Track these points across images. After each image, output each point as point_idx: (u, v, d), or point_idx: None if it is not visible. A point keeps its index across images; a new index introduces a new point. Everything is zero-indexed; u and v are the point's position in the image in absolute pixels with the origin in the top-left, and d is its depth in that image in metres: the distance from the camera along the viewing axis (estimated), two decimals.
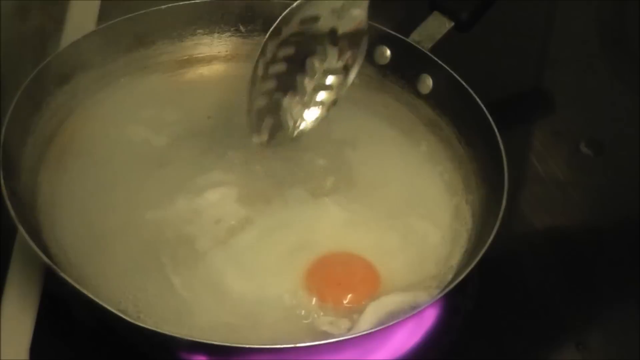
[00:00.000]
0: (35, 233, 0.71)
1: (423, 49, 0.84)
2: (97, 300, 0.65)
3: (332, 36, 0.78)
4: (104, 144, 0.82)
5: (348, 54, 0.79)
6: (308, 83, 0.79)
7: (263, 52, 0.76)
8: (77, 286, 0.65)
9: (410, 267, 0.75)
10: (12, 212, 0.68)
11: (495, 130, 0.78)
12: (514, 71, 1.00)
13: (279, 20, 0.75)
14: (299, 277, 0.73)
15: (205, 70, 0.91)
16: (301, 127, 0.81)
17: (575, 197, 0.88)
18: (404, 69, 0.86)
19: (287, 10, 0.75)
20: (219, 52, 0.91)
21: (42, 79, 0.80)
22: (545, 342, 0.77)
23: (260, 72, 0.76)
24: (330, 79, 0.80)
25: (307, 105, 0.80)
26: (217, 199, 0.78)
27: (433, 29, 0.85)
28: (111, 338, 0.72)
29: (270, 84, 0.78)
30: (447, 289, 0.69)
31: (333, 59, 0.79)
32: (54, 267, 0.66)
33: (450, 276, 0.74)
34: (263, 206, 0.78)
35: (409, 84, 0.86)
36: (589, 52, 1.03)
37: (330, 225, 0.77)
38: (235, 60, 0.91)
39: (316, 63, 0.79)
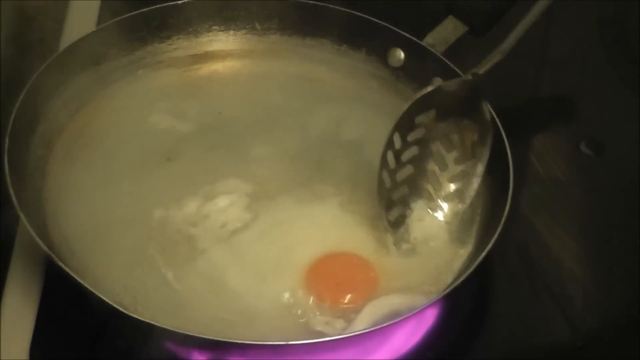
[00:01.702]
0: (38, 222, 0.72)
1: (436, 53, 0.84)
2: (93, 290, 0.65)
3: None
4: (114, 136, 0.82)
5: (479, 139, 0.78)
6: (435, 185, 0.78)
7: (384, 162, 0.76)
8: (75, 276, 0.66)
9: (411, 269, 0.75)
10: (15, 200, 0.69)
11: (504, 136, 0.78)
12: (514, 72, 1.00)
13: (395, 123, 0.76)
14: (298, 276, 0.73)
15: (219, 67, 0.91)
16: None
17: (575, 197, 0.88)
18: (417, 71, 0.86)
19: (404, 110, 0.76)
20: (233, 49, 0.91)
21: (54, 70, 0.81)
22: (545, 341, 0.77)
23: (391, 165, 0.77)
24: (457, 180, 0.78)
25: (435, 208, 0.78)
26: (222, 196, 0.78)
27: (447, 32, 0.85)
28: (111, 338, 0.72)
29: (401, 191, 0.77)
30: (444, 292, 0.69)
31: (458, 157, 0.78)
32: (53, 255, 0.67)
33: (450, 279, 0.74)
34: (266, 204, 0.78)
35: (421, 87, 0.86)
36: (589, 52, 1.03)
37: (333, 225, 0.77)
38: (249, 57, 0.91)
39: (442, 162, 0.78)
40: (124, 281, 0.72)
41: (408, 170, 0.78)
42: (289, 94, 0.87)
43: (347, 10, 0.88)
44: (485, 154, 0.77)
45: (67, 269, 0.66)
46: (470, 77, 0.78)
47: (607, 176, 0.91)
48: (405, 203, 0.78)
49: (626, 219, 0.87)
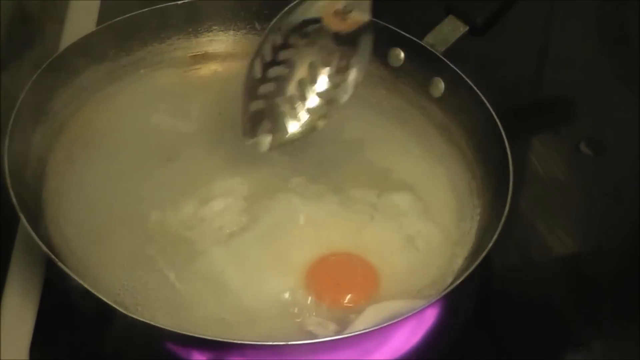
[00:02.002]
0: (38, 222, 0.72)
1: (436, 52, 0.84)
2: (93, 291, 0.65)
3: (335, 39, 0.78)
4: (114, 136, 0.83)
5: (350, 58, 0.79)
6: (308, 88, 0.79)
7: (260, 53, 0.75)
8: (75, 276, 0.66)
9: (412, 270, 0.75)
10: (15, 200, 0.69)
11: (504, 137, 0.78)
12: (514, 72, 1.00)
13: (276, 18, 0.75)
14: (298, 276, 0.73)
15: (219, 67, 0.91)
16: (298, 131, 0.80)
17: (575, 197, 0.88)
18: (417, 71, 0.86)
19: (285, 9, 0.75)
20: (234, 49, 0.91)
21: (54, 71, 0.81)
22: (545, 342, 0.77)
23: (257, 74, 0.76)
24: (331, 84, 0.79)
25: (306, 110, 0.80)
26: (222, 197, 0.78)
27: (447, 32, 0.85)
28: (111, 338, 0.72)
29: (269, 87, 0.78)
30: (444, 293, 0.69)
31: (335, 63, 0.79)
32: (52, 256, 0.67)
33: (450, 279, 0.74)
34: (266, 204, 0.78)
35: (421, 87, 0.86)
36: (589, 52, 1.03)
37: (333, 225, 0.77)
38: (250, 57, 0.91)
39: (317, 67, 0.78)
40: (124, 281, 0.72)
41: (280, 70, 0.77)
42: None
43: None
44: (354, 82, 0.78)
45: (67, 269, 0.66)
46: None
47: (607, 176, 0.91)
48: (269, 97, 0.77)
49: (626, 219, 0.87)
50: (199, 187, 0.79)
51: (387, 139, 0.85)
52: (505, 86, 0.96)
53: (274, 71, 0.77)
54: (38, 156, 0.78)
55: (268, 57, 0.76)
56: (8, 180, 0.70)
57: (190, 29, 0.90)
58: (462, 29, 0.85)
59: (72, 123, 0.82)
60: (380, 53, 0.88)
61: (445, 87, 0.85)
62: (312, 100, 0.79)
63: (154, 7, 0.87)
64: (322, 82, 0.79)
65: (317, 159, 0.82)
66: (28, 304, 0.72)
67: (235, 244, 0.75)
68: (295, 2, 0.75)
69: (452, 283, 0.71)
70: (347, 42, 0.78)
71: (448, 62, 0.84)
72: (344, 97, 0.79)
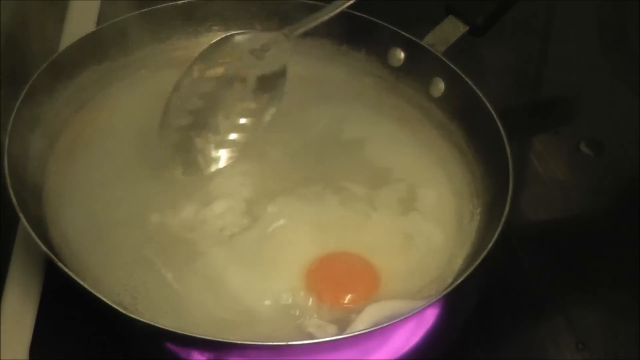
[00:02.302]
0: (38, 223, 0.72)
1: (436, 52, 0.84)
2: (93, 291, 0.65)
3: (251, 77, 0.79)
4: (114, 136, 0.82)
5: (265, 96, 0.79)
6: (223, 122, 0.78)
7: (177, 87, 0.76)
8: (75, 277, 0.66)
9: (412, 270, 0.75)
10: (14, 200, 0.69)
11: (504, 137, 0.78)
12: (514, 72, 1.00)
13: (196, 57, 0.76)
14: (298, 276, 0.73)
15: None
16: (213, 166, 0.79)
17: (575, 197, 0.88)
18: (417, 71, 0.86)
19: (206, 47, 0.77)
20: None
21: (54, 71, 0.81)
22: (545, 342, 0.77)
23: (174, 106, 0.76)
24: (245, 120, 0.79)
25: (220, 144, 0.79)
26: (222, 197, 0.78)
27: (447, 32, 0.85)
28: (111, 338, 0.72)
29: (185, 120, 0.78)
30: (444, 293, 0.69)
31: (250, 100, 0.79)
32: (52, 256, 0.67)
33: (450, 280, 0.74)
34: (267, 204, 0.78)
35: (421, 87, 0.86)
36: (589, 52, 1.03)
37: (333, 225, 0.77)
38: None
39: (233, 103, 0.78)
40: (124, 281, 0.72)
41: (197, 103, 0.78)
42: (289, 93, 0.87)
43: (347, 10, 0.88)
44: (267, 118, 0.78)
45: (66, 270, 0.66)
46: (282, 36, 0.79)
47: (607, 176, 0.91)
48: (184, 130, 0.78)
49: (626, 219, 0.87)
50: (199, 187, 0.79)
51: (387, 139, 0.85)
52: (505, 86, 0.97)
53: (190, 104, 0.78)
54: (38, 156, 0.78)
55: (184, 91, 0.77)
56: (8, 180, 0.70)
57: (190, 29, 0.90)
58: (462, 29, 0.85)
59: (72, 123, 0.82)
60: (380, 53, 0.88)
61: (445, 87, 0.85)
62: (224, 134, 0.79)
63: (154, 7, 0.87)
64: (235, 119, 0.79)
65: (317, 159, 0.82)
66: (28, 304, 0.72)
67: (235, 244, 0.75)
68: (217, 40, 0.77)
69: (452, 283, 0.71)
70: (263, 81, 0.79)
71: (448, 62, 0.84)
72: (253, 131, 0.79)
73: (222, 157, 0.79)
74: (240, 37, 0.78)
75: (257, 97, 0.79)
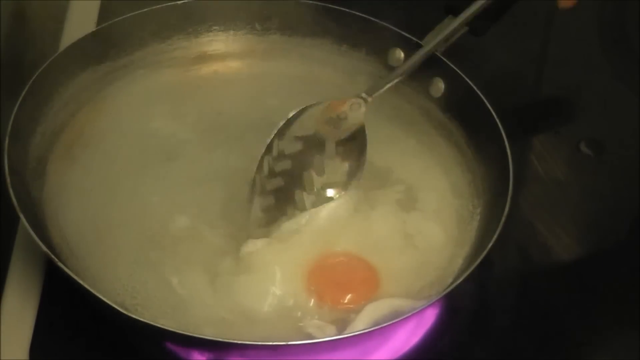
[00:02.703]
0: (38, 222, 0.72)
1: (436, 52, 0.84)
2: (93, 291, 0.65)
3: (330, 145, 0.78)
4: (114, 136, 0.82)
5: (346, 164, 0.78)
6: (306, 197, 0.77)
7: (260, 166, 0.76)
8: (74, 276, 0.66)
9: (412, 270, 0.75)
10: (15, 200, 0.69)
11: (504, 137, 0.78)
12: (514, 72, 1.00)
13: (274, 133, 0.76)
14: (298, 277, 0.73)
15: (219, 67, 0.91)
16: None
17: (575, 197, 0.88)
18: (417, 71, 0.86)
19: (282, 122, 0.76)
20: (234, 50, 0.91)
21: (54, 71, 0.81)
22: (545, 342, 0.77)
23: (258, 186, 0.76)
24: (331, 191, 0.78)
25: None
26: (222, 197, 0.78)
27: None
28: (111, 338, 0.72)
29: (268, 201, 0.77)
30: (444, 293, 0.69)
31: (332, 169, 0.78)
32: (52, 256, 0.67)
33: (450, 280, 0.74)
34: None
35: (421, 87, 0.86)
36: (589, 52, 1.03)
37: (333, 225, 0.77)
38: (250, 57, 0.91)
39: (314, 175, 0.77)
40: (124, 281, 0.72)
41: (278, 180, 0.77)
42: (289, 94, 0.87)
43: (347, 10, 0.88)
44: (359, 174, 0.77)
45: (66, 270, 0.66)
46: (360, 100, 0.79)
47: (607, 176, 0.91)
48: (271, 210, 0.77)
49: (626, 219, 0.87)
50: (198, 187, 0.79)
51: (387, 139, 0.85)
52: (505, 86, 0.96)
53: (273, 183, 0.77)
54: (38, 156, 0.78)
55: (266, 171, 0.76)
56: (8, 180, 0.70)
57: (190, 29, 0.90)
58: (462, 29, 0.85)
59: (72, 123, 0.82)
60: (380, 53, 0.88)
61: (445, 87, 0.85)
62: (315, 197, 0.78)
63: (154, 7, 0.87)
64: (321, 182, 0.78)
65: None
66: (28, 304, 0.72)
67: (235, 243, 0.75)
68: (294, 113, 0.76)
69: (452, 283, 0.71)
70: (343, 147, 0.78)
71: (448, 62, 0.84)
72: (343, 192, 0.78)
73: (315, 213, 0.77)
74: (316, 109, 0.78)
75: (338, 164, 0.78)
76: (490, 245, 0.71)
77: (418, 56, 0.81)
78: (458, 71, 0.83)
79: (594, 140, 0.93)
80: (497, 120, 0.79)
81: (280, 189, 0.77)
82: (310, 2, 0.88)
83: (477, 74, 0.83)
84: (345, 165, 0.78)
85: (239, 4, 0.90)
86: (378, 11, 0.88)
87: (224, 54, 0.91)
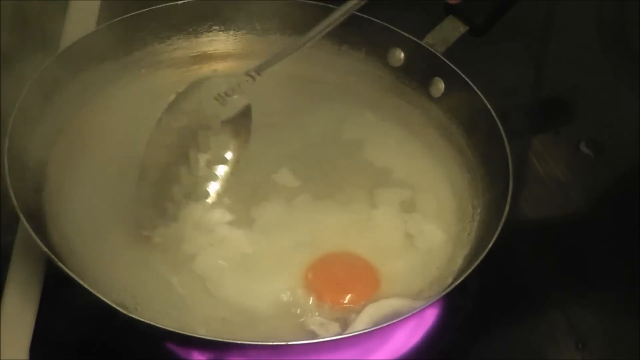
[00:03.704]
0: (38, 222, 0.72)
1: (436, 52, 0.84)
2: (93, 291, 0.65)
3: (215, 124, 0.77)
4: (114, 136, 0.82)
5: (233, 141, 0.78)
6: (187, 175, 0.76)
7: (150, 142, 0.75)
8: (75, 276, 0.66)
9: (412, 270, 0.75)
10: (14, 200, 0.69)
11: (504, 137, 0.78)
12: (514, 72, 1.00)
13: (165, 107, 0.75)
14: (298, 276, 0.73)
15: (219, 67, 0.91)
16: (187, 216, 0.77)
17: (575, 197, 0.88)
18: (417, 71, 0.86)
19: (173, 96, 0.75)
20: (234, 49, 0.91)
21: (54, 71, 0.81)
22: (545, 342, 0.77)
23: (147, 161, 0.75)
24: (214, 169, 0.78)
25: (190, 195, 0.77)
26: (222, 197, 0.78)
27: (447, 32, 0.85)
28: (111, 338, 0.72)
29: (157, 174, 0.76)
30: (444, 293, 0.69)
31: (216, 148, 0.77)
32: (52, 256, 0.67)
33: (450, 280, 0.74)
34: (267, 204, 0.78)
35: (421, 87, 0.86)
36: (589, 52, 1.03)
37: (333, 225, 0.77)
38: (249, 57, 0.91)
39: (199, 153, 0.77)
40: (124, 281, 0.72)
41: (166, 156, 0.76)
42: (289, 94, 0.87)
43: None
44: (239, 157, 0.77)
45: (66, 269, 0.66)
46: (248, 77, 0.77)
47: (607, 176, 0.91)
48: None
49: (626, 219, 0.87)
50: (200, 185, 0.79)
51: (387, 139, 0.85)
52: (505, 86, 0.96)
53: (162, 157, 0.76)
54: (38, 156, 0.78)
55: (156, 142, 0.75)
56: (8, 180, 0.70)
57: (190, 29, 0.90)
58: (462, 29, 0.85)
59: (72, 123, 0.82)
60: (380, 53, 0.88)
61: (445, 87, 0.85)
62: (193, 185, 0.77)
63: (154, 7, 0.87)
64: (204, 164, 0.77)
65: (317, 158, 0.82)
66: (28, 304, 0.72)
67: (235, 244, 0.75)
68: (186, 87, 0.75)
69: (452, 283, 0.71)
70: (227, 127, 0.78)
71: (448, 62, 0.84)
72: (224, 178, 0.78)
73: (195, 207, 0.77)
74: (206, 83, 0.77)
75: (223, 143, 0.77)
76: (490, 245, 0.71)
77: (320, 27, 0.78)
78: (458, 71, 0.83)
79: (594, 140, 0.93)
80: (497, 120, 0.79)
81: (167, 163, 0.76)
82: (310, 2, 0.88)
83: (477, 74, 0.83)
84: (231, 144, 0.78)
85: (239, 4, 0.90)
86: (378, 11, 0.88)
87: (224, 54, 0.91)
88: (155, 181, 0.75)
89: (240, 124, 0.78)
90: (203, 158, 0.77)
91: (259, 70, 0.77)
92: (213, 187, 0.78)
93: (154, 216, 0.75)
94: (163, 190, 0.75)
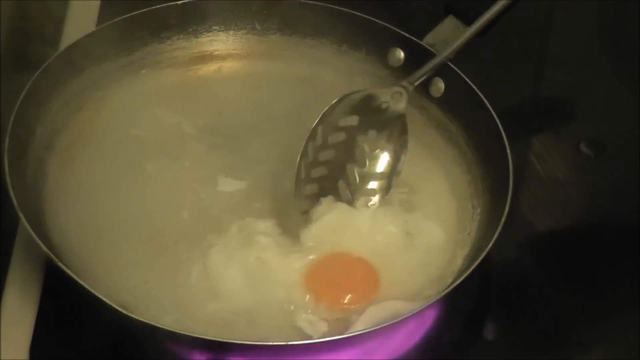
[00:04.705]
0: (38, 222, 0.72)
1: (436, 52, 0.84)
2: (93, 291, 0.65)
3: (372, 133, 0.79)
4: (114, 136, 0.83)
5: (390, 147, 0.80)
6: (345, 188, 0.79)
7: (304, 153, 0.76)
8: (75, 276, 0.66)
9: (412, 270, 0.75)
10: (14, 201, 0.69)
11: (504, 137, 0.78)
12: (514, 72, 1.00)
13: (317, 120, 0.76)
14: (298, 277, 0.73)
15: (219, 67, 0.91)
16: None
17: (575, 197, 0.88)
18: (417, 71, 0.86)
19: (325, 109, 0.77)
20: (234, 49, 0.91)
21: (54, 71, 0.81)
22: (545, 341, 0.77)
23: (303, 173, 0.76)
24: (374, 184, 0.79)
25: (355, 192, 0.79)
26: (222, 196, 0.78)
27: (447, 32, 0.85)
28: (111, 338, 0.72)
29: (313, 189, 0.78)
30: (444, 293, 0.69)
31: (375, 155, 0.79)
32: (52, 256, 0.67)
33: (450, 280, 0.74)
34: (267, 204, 0.78)
35: (421, 87, 0.86)
36: (589, 52, 1.03)
37: (333, 225, 0.77)
38: (249, 58, 0.91)
39: (355, 167, 0.79)
40: (124, 281, 0.72)
41: (322, 169, 0.78)
42: (289, 94, 0.87)
43: (347, 10, 0.88)
44: (401, 165, 0.79)
45: (67, 269, 0.66)
46: (401, 89, 0.79)
47: (607, 176, 0.91)
48: (315, 197, 0.77)
49: (626, 219, 0.87)
50: (199, 186, 0.79)
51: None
52: (505, 86, 0.96)
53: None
54: (38, 156, 0.78)
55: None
56: (8, 180, 0.70)
57: (190, 29, 0.90)
58: (462, 29, 0.85)
59: (72, 123, 0.82)
60: (380, 53, 0.88)
61: (445, 87, 0.85)
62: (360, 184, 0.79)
63: (154, 7, 0.87)
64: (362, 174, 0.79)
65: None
66: (28, 304, 0.72)
67: (235, 244, 0.75)
68: (336, 100, 0.77)
69: (452, 283, 0.71)
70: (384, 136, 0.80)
71: (448, 62, 0.84)
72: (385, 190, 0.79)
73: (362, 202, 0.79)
74: (357, 96, 0.78)
75: (379, 156, 0.80)
76: (490, 245, 0.71)
77: (461, 39, 0.81)
78: (458, 71, 0.83)
79: (594, 140, 0.93)
80: (497, 120, 0.79)
81: (324, 177, 0.78)
82: (310, 2, 0.88)
83: (477, 74, 0.83)
84: (386, 157, 0.79)
85: (239, 4, 0.90)
86: (378, 11, 0.88)
87: (224, 54, 0.91)
88: (310, 195, 0.77)
89: (396, 136, 0.79)
90: (360, 173, 0.79)
91: (410, 82, 0.80)
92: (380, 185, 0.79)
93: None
94: (320, 195, 0.77)
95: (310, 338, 0.69)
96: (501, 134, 0.78)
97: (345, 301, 0.72)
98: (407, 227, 0.78)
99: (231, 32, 0.91)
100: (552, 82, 1.01)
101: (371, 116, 0.79)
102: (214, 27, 0.90)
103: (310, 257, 0.74)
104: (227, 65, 0.91)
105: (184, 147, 0.82)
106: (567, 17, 1.06)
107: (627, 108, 0.97)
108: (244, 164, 0.81)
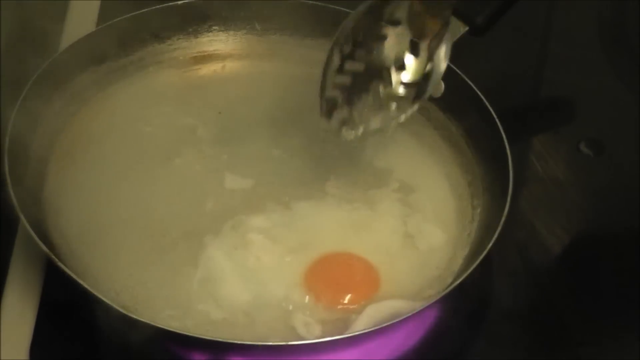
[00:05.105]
0: (38, 222, 0.72)
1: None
2: (93, 291, 0.65)
3: (412, 44, 0.77)
4: (114, 136, 0.83)
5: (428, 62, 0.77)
6: (382, 89, 0.77)
7: (338, 41, 0.74)
8: (75, 276, 0.66)
9: (412, 270, 0.75)
10: (15, 201, 0.69)
11: (504, 137, 0.78)
12: (514, 72, 1.00)
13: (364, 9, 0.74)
14: (298, 276, 0.73)
15: (219, 67, 0.91)
16: (370, 128, 0.77)
17: (575, 197, 0.88)
18: None
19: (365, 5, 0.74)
20: (233, 50, 0.91)
21: (54, 71, 0.81)
22: (545, 342, 0.77)
23: (335, 62, 0.74)
24: (404, 90, 0.77)
25: (378, 109, 0.77)
26: (223, 196, 0.78)
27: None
28: (111, 338, 0.72)
29: (345, 79, 0.76)
30: (444, 293, 0.69)
31: (411, 68, 0.77)
32: (52, 256, 0.67)
33: (450, 280, 0.74)
34: (267, 204, 0.78)
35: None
36: (589, 52, 1.03)
37: (333, 225, 0.77)
38: (249, 58, 0.91)
39: (393, 72, 0.77)
40: (124, 281, 0.72)
41: (357, 66, 0.76)
42: (289, 94, 0.87)
43: (347, 10, 0.88)
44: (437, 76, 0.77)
45: (66, 269, 0.66)
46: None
47: (607, 176, 0.91)
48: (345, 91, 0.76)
49: (626, 219, 0.87)
50: (199, 187, 0.79)
51: (386, 139, 0.85)
52: (505, 86, 0.96)
53: (351, 66, 0.76)
54: (38, 156, 0.78)
55: (347, 50, 0.75)
56: (8, 180, 0.70)
57: (190, 29, 0.90)
58: (462, 29, 0.85)
59: (72, 123, 0.83)
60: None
61: (445, 87, 0.85)
62: (385, 101, 0.77)
63: (154, 7, 0.87)
64: (395, 88, 0.77)
65: (317, 159, 0.82)
66: (28, 304, 0.72)
67: (235, 244, 0.75)
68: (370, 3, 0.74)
69: (452, 283, 0.71)
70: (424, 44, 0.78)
71: (448, 62, 0.83)
72: (428, 90, 0.77)
73: (379, 123, 0.77)
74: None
75: (418, 63, 0.77)
76: (490, 245, 0.71)
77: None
78: (458, 71, 0.83)
79: (594, 140, 0.93)
80: (497, 120, 0.79)
81: (359, 74, 0.75)
82: (310, 2, 0.89)
83: (477, 74, 0.83)
84: (424, 66, 0.77)
85: (239, 4, 0.90)
86: None
87: (224, 54, 0.91)
88: (343, 85, 0.75)
89: (435, 46, 0.77)
90: (396, 77, 0.76)
91: None
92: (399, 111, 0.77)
93: (338, 115, 0.75)
94: (350, 95, 0.75)
95: (304, 339, 0.69)
96: (501, 134, 0.78)
97: (345, 301, 0.72)
98: (407, 227, 0.78)
99: (231, 32, 0.91)
100: (552, 82, 1.01)
101: (414, 22, 0.77)
102: (214, 27, 0.90)
103: (310, 256, 0.74)
104: (227, 65, 0.91)
105: (184, 147, 0.82)
106: (567, 17, 1.06)
107: (627, 108, 0.97)
108: (245, 164, 0.81)
